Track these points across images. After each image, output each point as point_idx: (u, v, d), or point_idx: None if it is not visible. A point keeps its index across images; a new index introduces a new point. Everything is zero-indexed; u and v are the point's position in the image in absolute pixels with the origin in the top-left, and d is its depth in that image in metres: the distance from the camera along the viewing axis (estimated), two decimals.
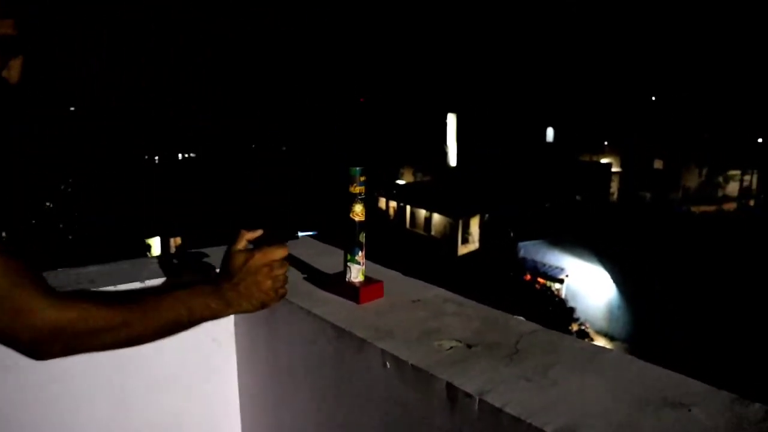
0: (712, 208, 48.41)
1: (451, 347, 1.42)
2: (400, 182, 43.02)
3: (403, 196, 37.29)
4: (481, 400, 1.22)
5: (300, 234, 1.70)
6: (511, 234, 30.38)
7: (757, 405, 1.19)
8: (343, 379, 1.53)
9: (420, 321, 1.56)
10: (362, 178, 1.66)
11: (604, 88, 52.94)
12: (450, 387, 1.27)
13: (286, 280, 1.44)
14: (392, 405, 1.41)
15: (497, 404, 1.19)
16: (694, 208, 47.61)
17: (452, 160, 47.84)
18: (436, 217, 34.09)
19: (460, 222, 32.71)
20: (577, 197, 43.75)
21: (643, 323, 23.13)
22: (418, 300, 1.69)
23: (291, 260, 1.53)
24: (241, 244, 1.42)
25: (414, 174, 46.23)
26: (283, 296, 1.44)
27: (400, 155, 43.24)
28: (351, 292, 1.67)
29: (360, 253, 1.69)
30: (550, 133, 54.12)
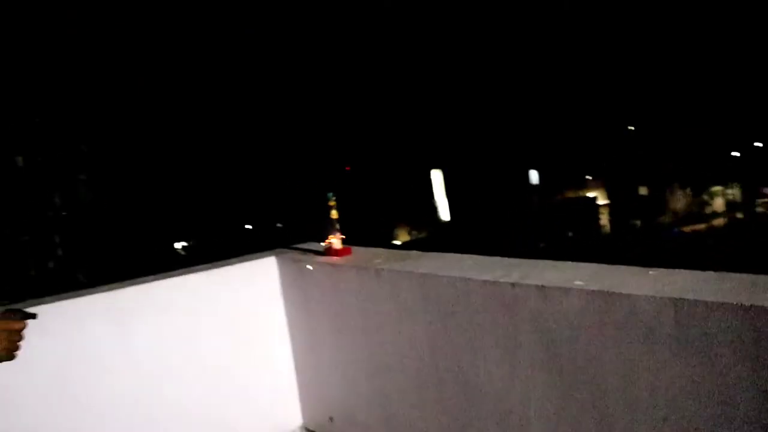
0: (703, 226, 49.21)
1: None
2: (397, 243, 43.97)
3: None
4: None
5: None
6: None
7: None
8: (358, 295, 2.59)
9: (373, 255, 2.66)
10: (333, 201, 2.80)
11: (580, 126, 54.52)
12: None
13: (18, 347, 1.68)
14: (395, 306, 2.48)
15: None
16: (686, 229, 48.40)
17: (443, 215, 49.12)
18: None
19: None
20: (569, 233, 44.84)
21: None
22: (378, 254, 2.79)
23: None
24: None
25: (409, 233, 47.31)
26: (13, 359, 1.66)
27: (391, 216, 44.48)
28: (332, 253, 2.77)
29: (338, 234, 2.80)
30: (534, 175, 55.60)
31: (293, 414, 2.96)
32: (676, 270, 1.64)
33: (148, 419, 2.66)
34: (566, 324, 1.68)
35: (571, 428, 1.72)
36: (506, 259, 2.20)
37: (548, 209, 46.34)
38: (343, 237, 2.81)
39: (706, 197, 55.15)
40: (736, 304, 1.33)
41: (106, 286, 2.82)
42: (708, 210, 54.37)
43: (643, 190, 54.69)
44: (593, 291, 1.61)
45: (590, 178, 55.52)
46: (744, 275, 1.51)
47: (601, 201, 52.77)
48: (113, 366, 2.65)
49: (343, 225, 2.86)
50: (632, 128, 57.00)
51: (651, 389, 1.49)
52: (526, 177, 55.99)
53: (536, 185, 55.75)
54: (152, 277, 2.89)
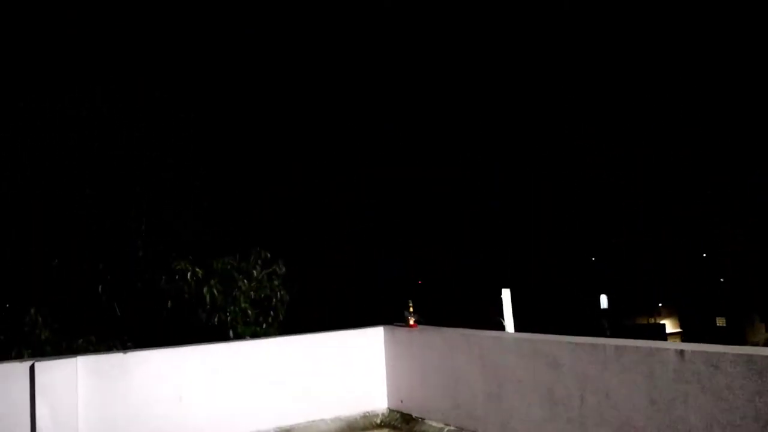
0: None
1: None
2: None
3: None
4: None
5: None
6: None
7: None
8: (420, 342, 5.99)
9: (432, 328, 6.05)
10: (411, 307, 6.27)
11: (654, 253, 55.47)
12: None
13: None
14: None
15: None
16: None
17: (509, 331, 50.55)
18: None
19: None
20: None
21: None
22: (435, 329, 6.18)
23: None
24: None
25: None
26: None
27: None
28: (407, 324, 6.20)
29: (411, 319, 6.23)
30: (603, 299, 56.68)
31: (382, 399, 6.34)
32: None
33: (287, 395, 6.09)
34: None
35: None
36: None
37: (614, 333, 47.39)
38: (416, 317, 6.28)
39: None
40: None
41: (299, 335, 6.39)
42: None
43: (720, 321, 54.37)
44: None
45: (661, 305, 56.09)
46: None
47: (672, 329, 53.01)
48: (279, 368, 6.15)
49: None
50: (705, 255, 57.10)
51: None
52: (597, 301, 56.96)
53: (605, 309, 56.59)
54: (330, 331, 6.43)
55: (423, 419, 5.81)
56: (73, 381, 5.17)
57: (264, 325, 7.19)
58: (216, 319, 6.79)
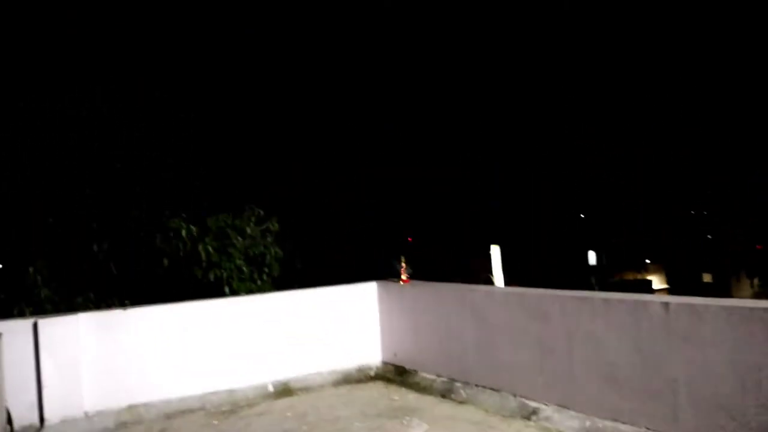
0: None
1: None
2: None
3: None
4: None
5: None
6: None
7: None
8: (411, 297, 6.15)
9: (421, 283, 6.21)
10: (404, 262, 6.40)
11: (643, 210, 55.87)
12: None
13: None
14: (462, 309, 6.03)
15: None
16: None
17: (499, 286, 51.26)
18: None
19: None
20: None
21: None
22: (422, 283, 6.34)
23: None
24: None
25: None
26: None
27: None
28: (400, 279, 6.35)
29: (404, 274, 6.37)
30: (591, 256, 57.32)
31: (376, 352, 6.53)
32: None
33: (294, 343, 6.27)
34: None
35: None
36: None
37: (602, 289, 48.02)
38: (410, 273, 6.43)
39: None
40: None
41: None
42: None
43: (707, 277, 55.20)
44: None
45: (649, 261, 56.89)
46: None
47: (659, 285, 53.86)
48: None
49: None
50: (693, 212, 57.53)
51: None
52: (584, 257, 57.62)
53: (593, 266, 57.28)
54: (324, 287, 6.56)
55: (416, 371, 6.01)
56: (76, 336, 5.30)
57: (259, 282, 7.32)
58: (212, 276, 6.93)
